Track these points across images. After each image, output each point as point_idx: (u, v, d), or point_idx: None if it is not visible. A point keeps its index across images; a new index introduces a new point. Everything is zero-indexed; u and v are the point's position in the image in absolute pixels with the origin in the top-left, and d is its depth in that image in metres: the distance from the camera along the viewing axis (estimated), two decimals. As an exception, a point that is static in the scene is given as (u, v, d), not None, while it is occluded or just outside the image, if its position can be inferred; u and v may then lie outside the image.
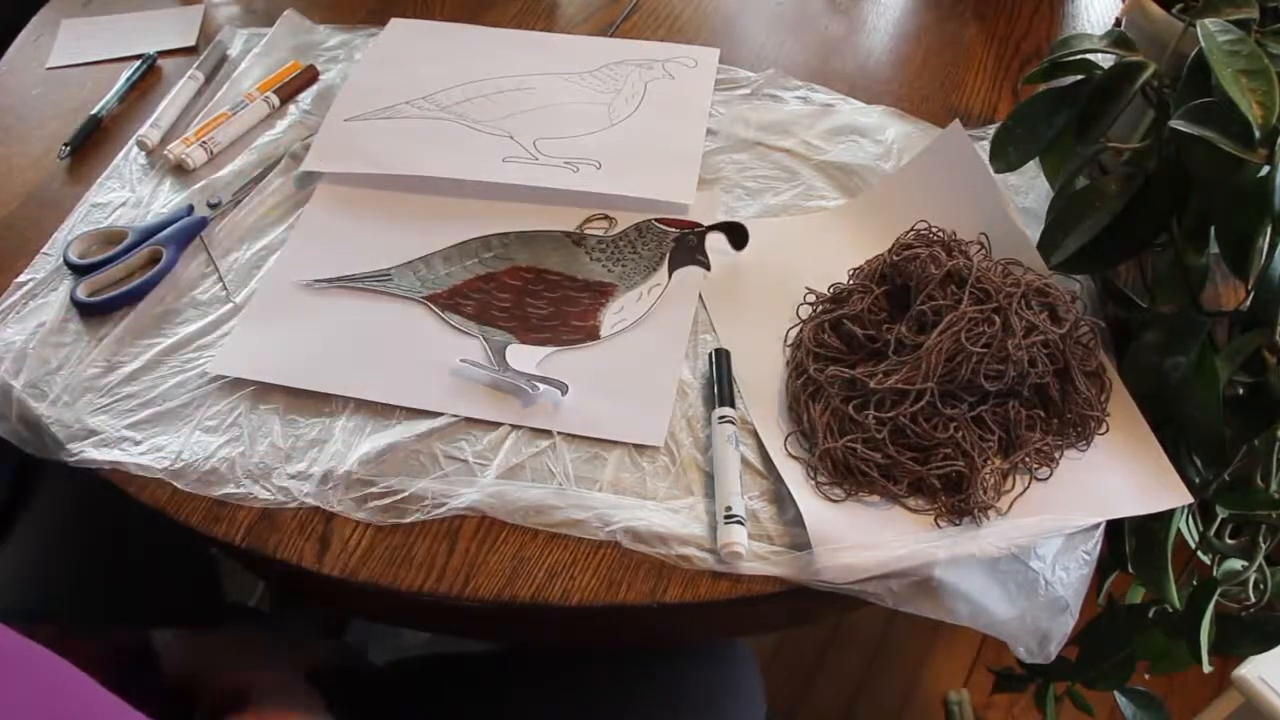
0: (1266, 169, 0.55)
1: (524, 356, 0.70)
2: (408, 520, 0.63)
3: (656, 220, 0.77)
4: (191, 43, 0.96)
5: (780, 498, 0.63)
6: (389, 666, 0.87)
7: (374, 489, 0.64)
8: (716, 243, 0.76)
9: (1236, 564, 0.65)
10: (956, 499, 0.61)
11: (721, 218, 0.77)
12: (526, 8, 1.00)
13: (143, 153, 0.85)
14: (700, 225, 0.76)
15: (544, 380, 0.68)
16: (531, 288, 0.75)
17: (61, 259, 0.76)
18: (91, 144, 0.87)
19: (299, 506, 0.63)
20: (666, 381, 0.69)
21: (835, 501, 0.62)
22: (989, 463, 0.61)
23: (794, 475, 0.63)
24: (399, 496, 0.63)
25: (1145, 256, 0.71)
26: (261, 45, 0.94)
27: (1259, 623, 0.67)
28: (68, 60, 0.95)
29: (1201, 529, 0.65)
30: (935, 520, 0.61)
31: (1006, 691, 0.87)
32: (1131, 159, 0.66)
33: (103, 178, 0.83)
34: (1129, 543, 0.64)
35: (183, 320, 0.73)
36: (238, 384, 0.69)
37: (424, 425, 0.67)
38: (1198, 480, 0.63)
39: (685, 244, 0.76)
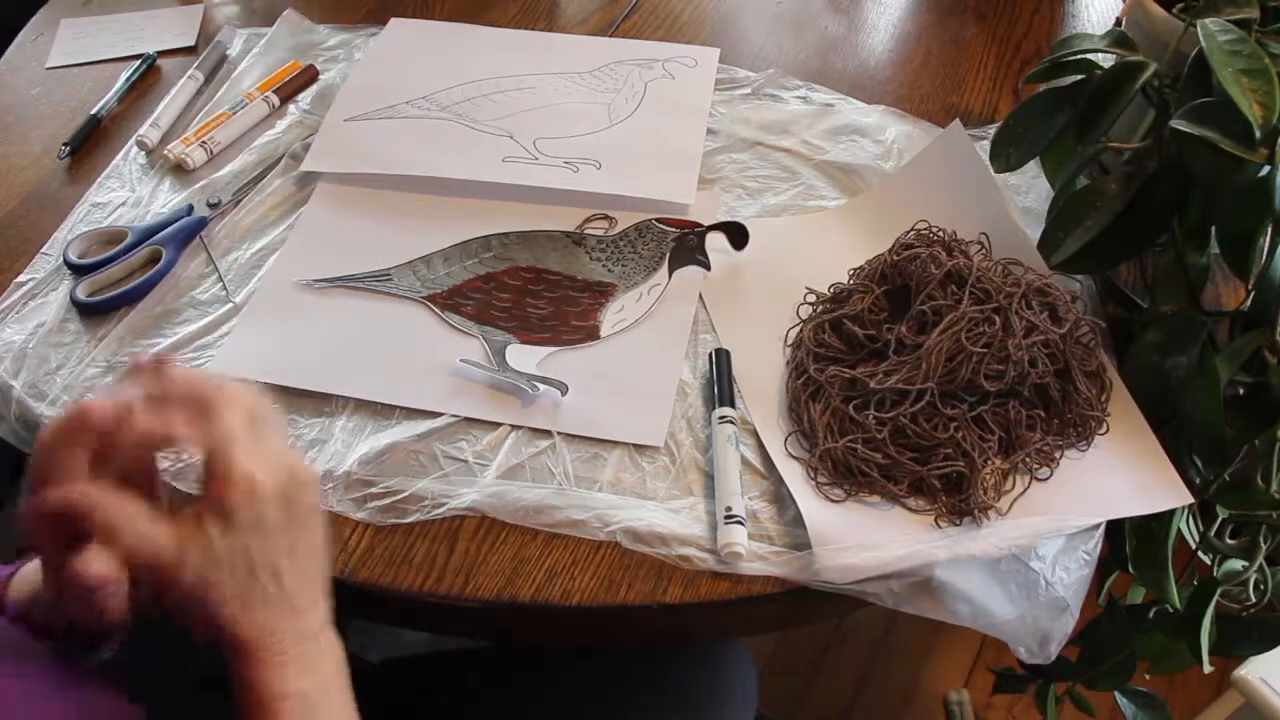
0: (1267, 169, 0.55)
1: (524, 356, 0.70)
2: (408, 520, 0.62)
3: (656, 220, 0.77)
4: (191, 42, 0.96)
5: (780, 498, 0.63)
6: (388, 665, 0.87)
7: (374, 489, 0.64)
8: (716, 243, 0.76)
9: (1237, 564, 0.65)
10: (957, 499, 0.61)
11: (721, 218, 0.77)
12: (526, 8, 1.00)
13: (142, 152, 0.85)
14: (700, 225, 0.76)
15: (544, 380, 0.68)
16: (531, 288, 0.74)
17: (61, 259, 0.76)
18: (91, 144, 0.86)
19: (299, 506, 0.63)
20: (666, 381, 0.69)
21: (835, 502, 0.62)
22: (989, 463, 0.61)
23: (794, 475, 0.63)
24: (399, 497, 0.63)
25: (1145, 256, 0.71)
26: (261, 45, 0.94)
27: (1259, 623, 0.67)
28: (67, 60, 0.95)
29: (1202, 529, 0.65)
30: (935, 520, 0.61)
31: (1007, 692, 0.87)
32: (1132, 159, 0.65)
33: (102, 177, 0.83)
34: (1129, 543, 0.64)
35: (183, 320, 0.73)
36: (237, 384, 0.69)
37: (424, 425, 0.67)
38: (1198, 480, 0.63)
39: (685, 244, 0.76)
